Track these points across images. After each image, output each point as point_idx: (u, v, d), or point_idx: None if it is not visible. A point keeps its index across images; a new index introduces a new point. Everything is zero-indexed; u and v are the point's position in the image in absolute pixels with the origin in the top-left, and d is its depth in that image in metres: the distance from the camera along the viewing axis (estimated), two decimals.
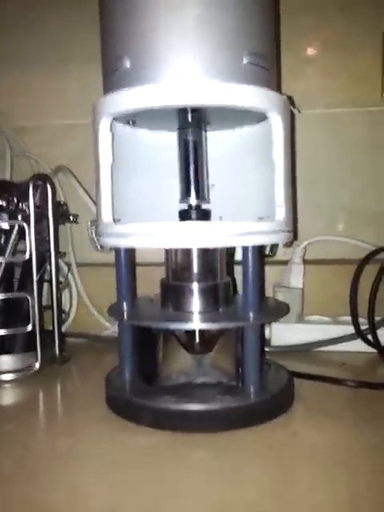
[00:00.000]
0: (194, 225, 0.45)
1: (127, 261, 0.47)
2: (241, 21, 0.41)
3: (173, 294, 0.47)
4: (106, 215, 0.45)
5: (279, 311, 0.47)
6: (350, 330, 0.59)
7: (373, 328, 0.57)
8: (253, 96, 0.40)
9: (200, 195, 0.48)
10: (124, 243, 0.45)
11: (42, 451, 0.40)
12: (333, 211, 0.67)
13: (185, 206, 0.49)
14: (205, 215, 0.48)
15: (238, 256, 0.47)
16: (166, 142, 0.52)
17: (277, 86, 0.44)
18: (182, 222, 0.47)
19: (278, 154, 0.43)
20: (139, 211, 0.50)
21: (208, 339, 0.45)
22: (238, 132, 0.52)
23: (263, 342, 0.48)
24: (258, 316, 0.44)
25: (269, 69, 0.42)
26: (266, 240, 0.43)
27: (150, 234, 0.42)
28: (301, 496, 0.33)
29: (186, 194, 0.48)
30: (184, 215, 0.48)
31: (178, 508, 0.32)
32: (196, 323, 0.44)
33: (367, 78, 0.64)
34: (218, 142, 0.53)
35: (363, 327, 0.58)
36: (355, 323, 0.58)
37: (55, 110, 0.70)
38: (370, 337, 0.58)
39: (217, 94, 0.40)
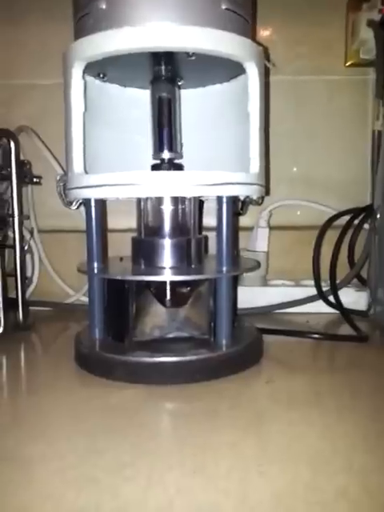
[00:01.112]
0: (167, 174, 0.44)
1: (98, 216, 0.45)
2: None
3: (144, 249, 0.47)
4: (77, 166, 0.43)
5: (251, 265, 0.48)
6: (313, 292, 0.61)
7: (334, 289, 0.59)
8: (230, 42, 0.40)
9: (173, 149, 0.47)
10: (96, 194, 0.43)
11: (11, 408, 0.39)
12: (296, 178, 0.68)
13: (157, 162, 0.48)
14: (177, 168, 0.47)
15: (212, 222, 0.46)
16: (137, 99, 0.51)
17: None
18: (156, 171, 0.46)
19: (254, 105, 0.43)
20: (109, 169, 0.49)
21: (181, 294, 0.45)
22: (210, 90, 0.52)
23: (235, 297, 0.48)
24: (231, 268, 0.44)
25: (246, 19, 0.42)
26: (240, 191, 0.43)
27: (122, 183, 0.41)
28: (281, 432, 0.34)
29: (159, 148, 0.48)
30: (156, 168, 0.47)
31: (161, 446, 0.32)
32: (168, 275, 0.44)
33: (331, 47, 0.65)
34: (189, 102, 0.52)
35: (325, 289, 0.60)
36: (317, 285, 0.60)
37: (14, 69, 0.67)
38: (331, 298, 0.60)
39: (195, 37, 0.39)
